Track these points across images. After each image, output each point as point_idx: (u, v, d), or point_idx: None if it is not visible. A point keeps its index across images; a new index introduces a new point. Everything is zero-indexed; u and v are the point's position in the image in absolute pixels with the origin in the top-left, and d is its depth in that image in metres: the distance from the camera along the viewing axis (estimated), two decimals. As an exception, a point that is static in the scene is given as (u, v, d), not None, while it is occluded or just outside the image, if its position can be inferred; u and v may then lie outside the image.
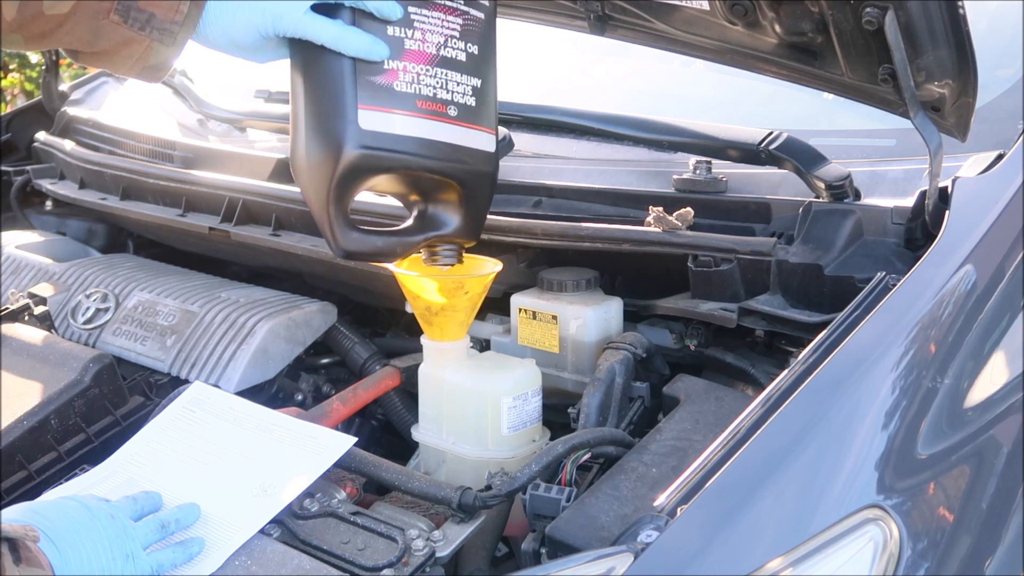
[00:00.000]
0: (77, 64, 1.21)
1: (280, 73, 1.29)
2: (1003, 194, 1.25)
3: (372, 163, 1.22)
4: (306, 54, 1.21)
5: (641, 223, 1.46)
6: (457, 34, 1.29)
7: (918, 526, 1.00)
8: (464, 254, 1.40)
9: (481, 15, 1.31)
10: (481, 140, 1.33)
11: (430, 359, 1.41)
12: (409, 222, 1.35)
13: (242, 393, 1.55)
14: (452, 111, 1.29)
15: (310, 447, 1.25)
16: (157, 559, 1.06)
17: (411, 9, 1.23)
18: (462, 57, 1.29)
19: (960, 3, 1.11)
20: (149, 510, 1.13)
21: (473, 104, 1.31)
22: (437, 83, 1.27)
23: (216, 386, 1.54)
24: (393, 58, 1.21)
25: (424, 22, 1.25)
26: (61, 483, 1.30)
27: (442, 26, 1.27)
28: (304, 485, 1.18)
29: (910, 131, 1.26)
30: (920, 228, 1.31)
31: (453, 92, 1.29)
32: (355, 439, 1.25)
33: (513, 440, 1.33)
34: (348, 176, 1.21)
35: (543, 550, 1.10)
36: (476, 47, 1.31)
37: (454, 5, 1.27)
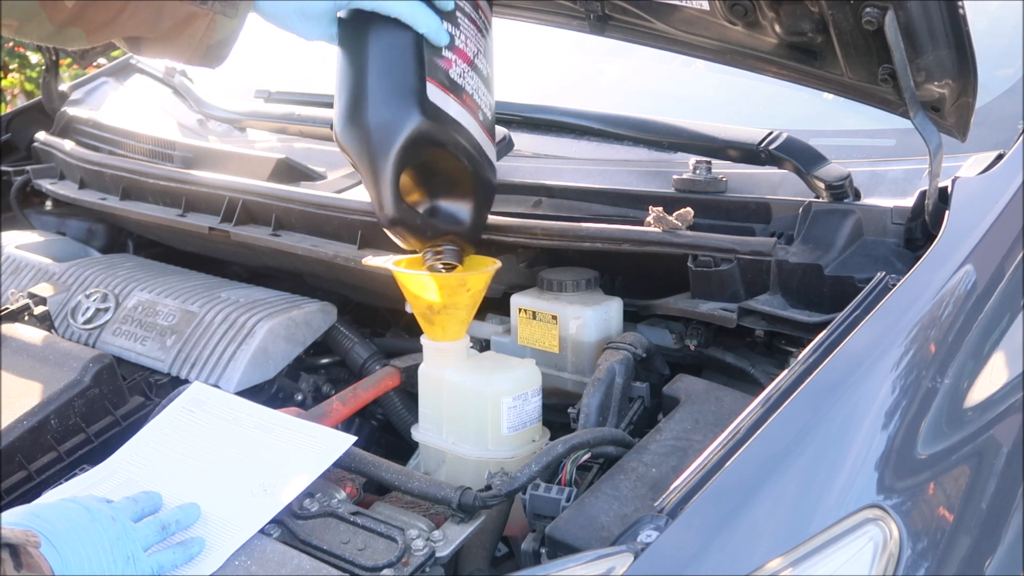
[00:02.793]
0: (139, 56, 1.21)
1: (280, 73, 1.30)
2: (1003, 194, 1.25)
3: (434, 134, 1.27)
4: (370, 27, 1.26)
5: (641, 223, 1.46)
6: (483, 51, 1.38)
7: (918, 526, 1.00)
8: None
9: (491, 44, 1.40)
10: (493, 152, 1.43)
11: (430, 359, 1.41)
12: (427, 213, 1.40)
13: (242, 393, 1.55)
14: (481, 116, 1.37)
15: (310, 446, 1.25)
16: (158, 560, 1.06)
17: (458, 12, 1.31)
18: (486, 72, 1.39)
19: (960, 3, 1.12)
20: (149, 511, 1.13)
21: (490, 117, 1.41)
22: (474, 85, 1.35)
23: (216, 386, 1.54)
24: (447, 48, 1.29)
25: (466, 28, 1.33)
26: (61, 483, 1.30)
27: (476, 38, 1.36)
28: (304, 484, 1.18)
29: (910, 131, 1.26)
30: (920, 228, 1.31)
31: (481, 100, 1.38)
32: (355, 438, 1.25)
33: (513, 440, 1.33)
34: (412, 142, 1.25)
35: (543, 550, 1.10)
36: (491, 69, 1.41)
37: (481, 25, 1.37)
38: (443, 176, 1.37)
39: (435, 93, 1.28)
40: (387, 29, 1.25)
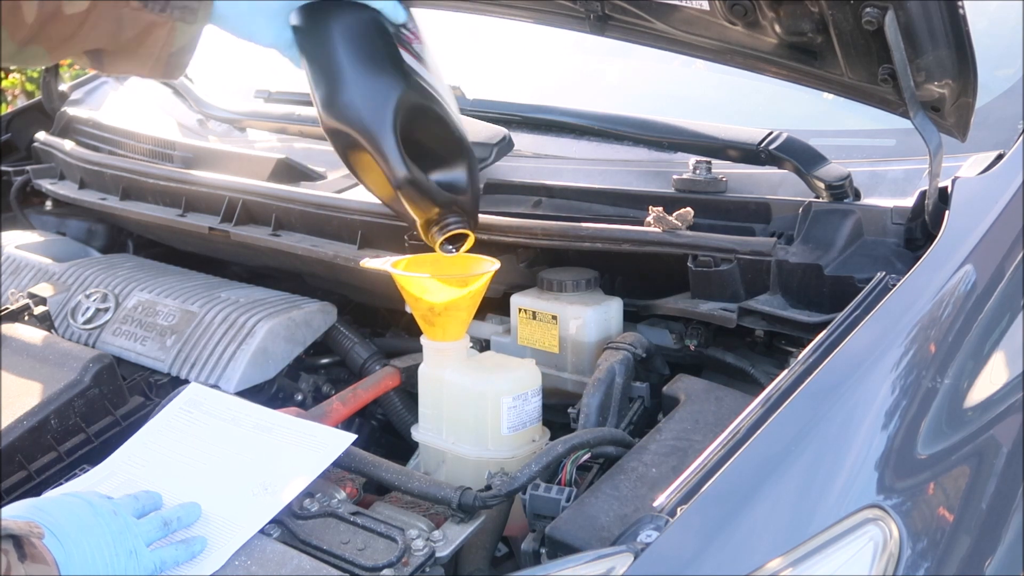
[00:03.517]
0: (101, 72, 1.20)
1: (280, 73, 1.30)
2: (1003, 194, 1.25)
3: (422, 95, 1.31)
4: (330, 16, 1.28)
5: (641, 223, 1.46)
6: (421, 41, 1.41)
7: (918, 526, 1.00)
8: (461, 253, 1.42)
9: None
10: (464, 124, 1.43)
11: (430, 359, 1.41)
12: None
13: (242, 393, 1.55)
14: (444, 87, 1.40)
15: (310, 445, 1.24)
16: (160, 556, 1.06)
17: None
18: (432, 58, 1.42)
19: (960, 3, 1.12)
20: (150, 509, 1.13)
21: (452, 95, 1.42)
22: (432, 62, 1.38)
23: (216, 386, 1.54)
24: (404, 27, 1.34)
25: (410, 14, 1.37)
26: (61, 483, 1.30)
27: (415, 22, 1.39)
28: (305, 483, 1.18)
29: (910, 131, 1.26)
30: (920, 228, 1.31)
31: (440, 75, 1.41)
32: (355, 436, 1.25)
33: (513, 440, 1.33)
34: (403, 102, 1.29)
35: (543, 550, 1.10)
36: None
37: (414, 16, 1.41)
38: (432, 148, 1.37)
39: (409, 60, 1.32)
40: (347, 12, 1.29)
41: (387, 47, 1.30)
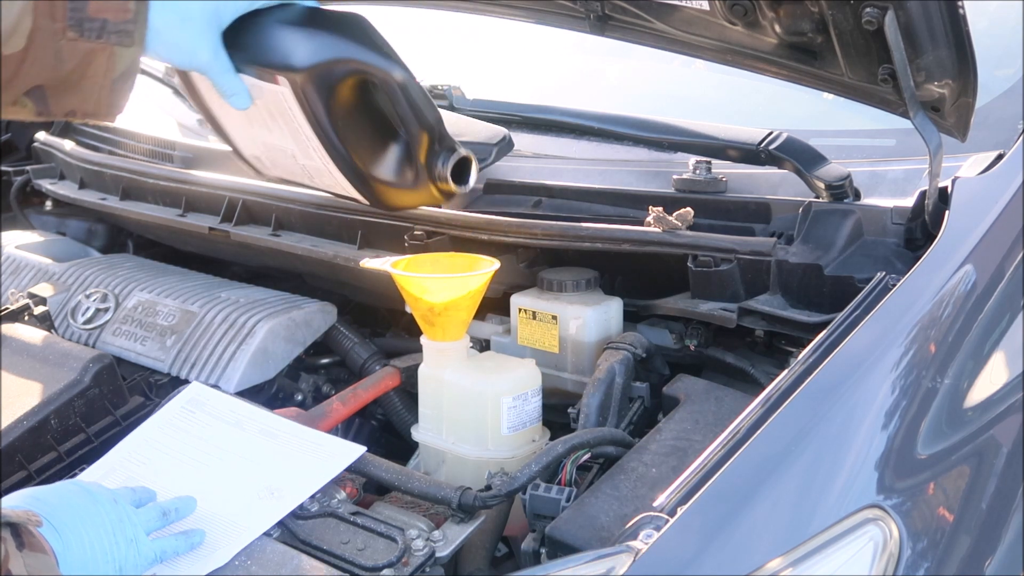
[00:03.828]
0: (47, 115, 1.17)
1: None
2: (1003, 194, 1.25)
3: (379, 34, 1.32)
4: (259, 17, 1.27)
5: (641, 223, 1.46)
6: None
7: (918, 526, 1.00)
8: (459, 253, 1.42)
9: None
10: None
11: (430, 359, 1.41)
12: None
13: (242, 393, 1.55)
14: None
15: (317, 453, 1.24)
16: (160, 546, 1.06)
17: None
18: None
19: (960, 3, 1.12)
20: (147, 501, 1.14)
21: None
22: None
23: (216, 386, 1.54)
24: None
25: None
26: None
27: None
28: (312, 490, 1.18)
29: (910, 131, 1.27)
30: (920, 228, 1.31)
31: None
32: (363, 449, 1.24)
33: (513, 440, 1.33)
34: (374, 32, 1.30)
35: (543, 550, 1.10)
36: None
37: None
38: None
39: None
40: (275, 10, 1.27)
41: (329, 10, 1.30)
